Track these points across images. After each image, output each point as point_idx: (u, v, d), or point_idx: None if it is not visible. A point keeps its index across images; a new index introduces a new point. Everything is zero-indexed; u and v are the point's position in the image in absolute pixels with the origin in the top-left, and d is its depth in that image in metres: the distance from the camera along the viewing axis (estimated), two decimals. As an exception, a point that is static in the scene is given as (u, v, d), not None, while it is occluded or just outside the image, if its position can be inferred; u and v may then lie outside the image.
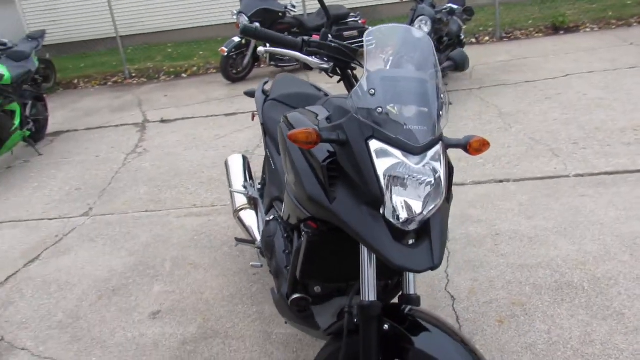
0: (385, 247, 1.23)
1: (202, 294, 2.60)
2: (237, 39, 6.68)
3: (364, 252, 1.36)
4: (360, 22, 7.19)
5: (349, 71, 1.55)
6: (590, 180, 3.20)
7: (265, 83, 2.59)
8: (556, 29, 7.50)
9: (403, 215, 1.23)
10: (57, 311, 2.60)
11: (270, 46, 1.53)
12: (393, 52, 1.38)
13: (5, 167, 4.82)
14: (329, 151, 1.36)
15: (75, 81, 8.20)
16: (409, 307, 1.43)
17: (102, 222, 3.51)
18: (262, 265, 2.23)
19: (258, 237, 2.32)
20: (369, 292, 1.35)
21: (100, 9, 9.15)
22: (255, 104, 2.49)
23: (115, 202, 3.80)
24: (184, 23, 9.92)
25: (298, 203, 1.49)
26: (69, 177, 4.40)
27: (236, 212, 2.52)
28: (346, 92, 1.50)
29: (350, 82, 1.54)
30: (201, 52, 8.83)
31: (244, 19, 6.70)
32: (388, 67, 1.35)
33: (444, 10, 5.15)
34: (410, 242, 1.27)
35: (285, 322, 1.92)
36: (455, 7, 5.33)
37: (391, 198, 1.23)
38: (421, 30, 4.72)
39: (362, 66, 1.36)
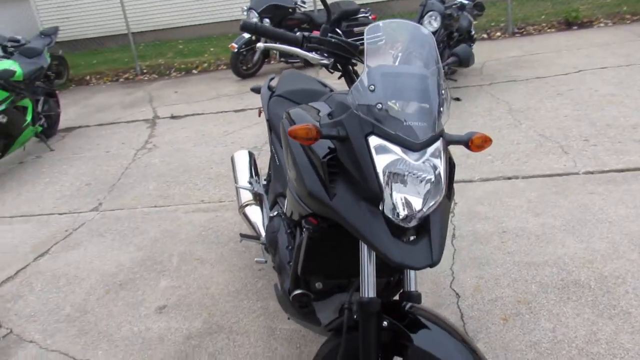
0: (383, 243, 1.22)
1: (207, 289, 2.62)
2: (247, 36, 6.68)
3: (364, 248, 1.36)
4: (370, 17, 7.15)
5: (350, 67, 1.54)
6: (600, 178, 3.16)
7: (272, 79, 2.59)
8: (569, 24, 7.40)
9: (402, 212, 1.23)
10: (65, 305, 2.63)
11: (270, 42, 1.53)
12: (394, 48, 1.37)
13: (17, 163, 4.89)
14: (329, 147, 1.36)
15: (88, 77, 8.28)
16: (409, 304, 1.43)
17: (111, 217, 3.54)
18: (266, 261, 2.24)
19: (263, 233, 2.33)
20: (368, 288, 1.35)
21: (112, 5, 9.22)
22: (261, 100, 2.49)
23: (124, 197, 3.83)
24: (194, 19, 9.97)
25: (299, 199, 1.49)
26: (80, 173, 4.44)
27: (241, 208, 2.53)
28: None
29: (350, 77, 1.53)
30: (212, 49, 8.86)
31: (254, 15, 6.71)
32: (388, 63, 1.34)
33: (453, 6, 5.10)
34: (410, 238, 1.27)
35: (288, 318, 1.93)
36: (465, 2, 5.28)
37: (391, 195, 1.22)
38: (431, 25, 4.70)
39: (362, 62, 1.36)
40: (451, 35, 5.18)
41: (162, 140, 5.03)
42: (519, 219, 2.86)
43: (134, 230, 3.31)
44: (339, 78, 1.55)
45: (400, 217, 1.23)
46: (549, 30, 7.47)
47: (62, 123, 5.81)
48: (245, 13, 6.91)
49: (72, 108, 6.67)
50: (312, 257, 1.54)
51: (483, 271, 2.47)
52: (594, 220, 2.73)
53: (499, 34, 7.64)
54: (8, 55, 5.17)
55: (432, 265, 1.25)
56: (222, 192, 3.69)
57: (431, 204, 1.25)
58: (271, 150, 2.36)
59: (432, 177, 1.23)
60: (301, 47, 1.48)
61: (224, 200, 3.55)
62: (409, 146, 1.23)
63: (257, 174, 2.72)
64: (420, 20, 4.85)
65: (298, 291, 1.66)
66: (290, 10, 6.90)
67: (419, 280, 2.44)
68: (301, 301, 1.69)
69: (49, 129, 5.33)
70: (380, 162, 1.23)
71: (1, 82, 4.30)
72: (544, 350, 1.97)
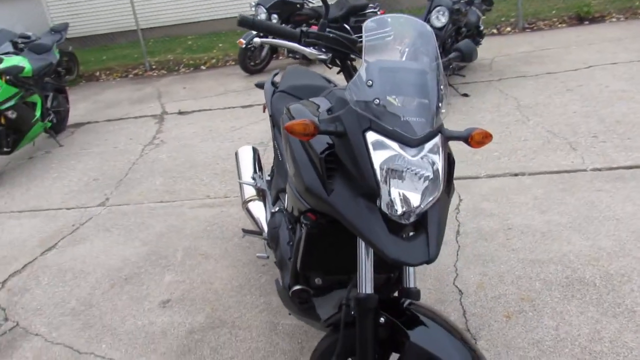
0: (380, 239, 1.22)
1: (211, 284, 2.63)
2: (255, 31, 6.68)
3: (361, 244, 1.35)
4: (379, 13, 7.11)
5: (349, 62, 1.53)
6: (608, 175, 3.12)
7: (276, 75, 2.59)
8: (581, 19, 7.31)
9: (400, 208, 1.22)
10: (71, 298, 2.66)
11: (267, 37, 1.52)
12: (393, 43, 1.36)
13: (27, 158, 4.94)
14: (328, 143, 1.35)
15: (97, 73, 8.33)
16: (408, 301, 1.42)
17: (118, 212, 3.57)
18: (268, 257, 2.24)
19: (266, 229, 2.33)
20: (366, 284, 1.34)
21: (122, 2, 9.27)
22: (264, 96, 2.49)
23: (131, 192, 3.86)
24: (203, 15, 9.99)
25: (298, 195, 1.49)
26: (88, 168, 4.48)
27: (245, 203, 2.53)
28: None
29: (349, 73, 1.53)
30: (220, 44, 8.88)
31: (262, 11, 6.71)
32: (387, 58, 1.33)
33: (462, 1, 5.06)
34: (409, 234, 1.26)
35: (289, 314, 1.93)
36: (474, -3, 5.24)
37: (389, 191, 1.21)
38: (439, 20, 4.67)
39: (360, 57, 1.35)
40: (459, 30, 5.14)
41: (169, 135, 5.05)
42: (524, 215, 2.83)
43: (140, 225, 3.33)
44: (338, 73, 1.54)
45: (398, 213, 1.22)
46: (560, 25, 7.38)
47: (72, 119, 5.86)
48: (253, 9, 6.91)
49: (81, 104, 6.72)
50: (310, 253, 1.54)
51: (487, 268, 2.45)
52: (601, 218, 2.70)
53: (509, 29, 7.57)
54: (18, 51, 5.22)
55: (429, 261, 1.24)
56: (228, 187, 3.70)
57: (429, 200, 1.24)
58: (274, 146, 2.36)
59: (430, 174, 1.22)
60: (299, 42, 1.47)
61: (229, 196, 3.56)
62: (406, 142, 1.21)
63: (260, 169, 2.72)
64: (428, 16, 4.82)
65: (297, 287, 1.66)
66: (298, 5, 6.89)
67: (421, 277, 2.43)
68: (301, 297, 1.69)
69: (58, 124, 5.37)
70: (378, 158, 1.22)
71: (10, 78, 4.34)
72: (547, 348, 1.95)
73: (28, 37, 5.56)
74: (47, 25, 9.04)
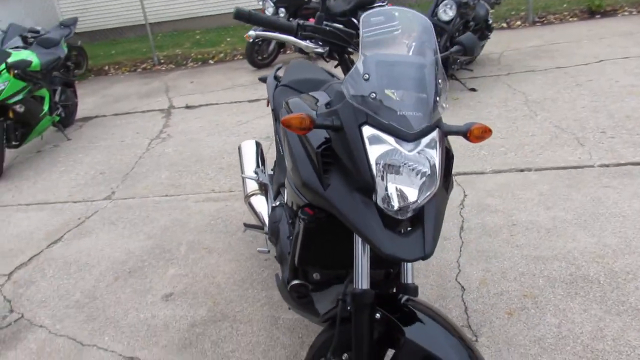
0: (375, 235, 1.21)
1: (214, 278, 2.63)
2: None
3: (358, 240, 1.34)
4: (387, 6, 7.07)
5: (346, 55, 1.52)
6: (615, 171, 3.08)
7: (278, 69, 2.58)
8: (592, 12, 7.20)
9: (396, 203, 1.21)
10: (75, 291, 2.68)
11: (263, 30, 1.51)
12: (391, 36, 1.34)
13: (35, 151, 4.98)
14: (326, 138, 1.34)
15: (106, 68, 8.37)
16: (405, 297, 1.41)
17: (123, 205, 3.59)
18: (269, 251, 2.24)
19: (267, 223, 2.32)
20: (362, 280, 1.34)
21: (131, -4, 9.30)
22: (267, 90, 2.48)
23: (137, 186, 3.88)
24: (212, 9, 9.98)
25: (296, 189, 1.48)
26: (95, 162, 4.51)
27: (247, 197, 2.53)
28: None
29: (347, 66, 1.51)
30: (229, 39, 8.88)
31: (270, 5, 6.69)
32: (385, 51, 1.32)
33: (470, -6, 5.00)
34: (404, 230, 1.25)
35: (289, 308, 1.93)
36: (482, -10, 5.18)
37: (386, 187, 1.20)
38: (446, 14, 4.62)
39: (357, 50, 1.33)
40: (467, 24, 5.08)
41: (176, 130, 5.06)
42: (529, 212, 2.81)
43: (145, 219, 3.35)
44: (335, 67, 1.53)
45: (395, 208, 1.21)
46: (571, 19, 7.28)
47: (80, 113, 5.90)
48: (261, 3, 6.89)
49: (90, 98, 6.76)
50: (308, 248, 1.53)
51: (490, 264, 2.43)
52: (607, 214, 2.67)
53: (519, 23, 7.48)
54: (27, 45, 5.25)
55: (424, 258, 1.23)
56: (233, 181, 3.70)
57: (426, 195, 1.23)
58: (276, 140, 2.35)
59: (427, 170, 1.21)
60: (296, 35, 1.46)
61: (234, 190, 3.56)
62: (402, 136, 1.20)
63: (263, 163, 2.72)
64: (435, 9, 4.77)
65: (296, 281, 1.66)
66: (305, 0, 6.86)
67: (424, 273, 2.42)
68: (299, 291, 1.68)
69: (66, 118, 5.41)
70: (374, 152, 1.21)
71: (18, 72, 4.37)
72: (548, 345, 1.93)
73: (37, 32, 5.60)
74: (56, 19, 9.10)
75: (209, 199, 3.50)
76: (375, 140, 1.21)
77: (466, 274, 2.39)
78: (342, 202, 1.26)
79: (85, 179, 4.15)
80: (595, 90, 4.41)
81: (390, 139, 1.21)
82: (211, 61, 8.01)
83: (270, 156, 2.85)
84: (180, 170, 4.05)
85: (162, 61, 8.25)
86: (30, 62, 4.51)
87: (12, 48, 4.91)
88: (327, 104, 1.46)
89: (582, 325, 2.00)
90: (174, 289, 2.60)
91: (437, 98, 1.27)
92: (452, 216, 2.85)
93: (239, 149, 2.82)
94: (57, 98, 5.18)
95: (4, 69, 4.28)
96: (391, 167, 1.20)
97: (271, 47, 6.95)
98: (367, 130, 1.22)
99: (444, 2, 4.72)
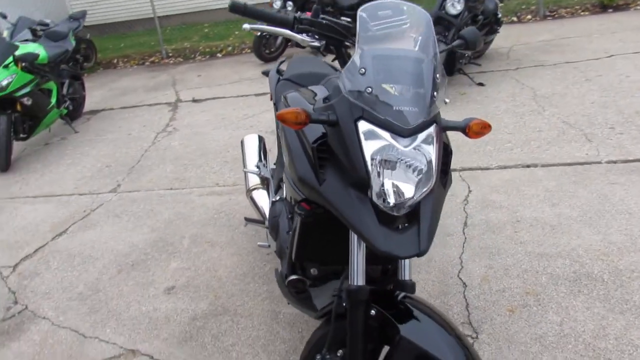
0: (370, 231, 1.20)
1: (216, 272, 2.64)
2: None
3: (353, 235, 1.33)
4: (396, 0, 7.00)
5: (343, 49, 1.50)
6: (623, 168, 3.03)
7: (281, 63, 2.57)
8: (604, 6, 7.09)
9: (392, 199, 1.19)
10: (79, 283, 2.70)
11: (257, 23, 1.49)
12: (388, 29, 1.32)
13: (43, 144, 5.02)
14: (322, 132, 1.33)
15: (115, 61, 8.40)
16: (402, 294, 1.40)
17: (128, 198, 3.60)
18: (269, 246, 2.24)
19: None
20: (357, 276, 1.33)
21: (140, -11, 9.30)
22: (269, 84, 2.47)
23: (142, 179, 3.89)
24: (220, 2, 9.96)
25: (293, 184, 1.47)
26: (101, 155, 4.53)
27: (249, 191, 2.53)
28: None
29: (344, 60, 1.49)
30: (237, 32, 8.86)
31: (277, -2, 6.67)
32: (381, 45, 1.30)
33: (479, -13, 4.93)
34: (400, 226, 1.23)
35: (288, 303, 1.93)
36: (491, -17, 5.11)
37: (382, 183, 1.19)
38: (454, 8, 4.57)
39: (354, 44, 1.32)
40: (476, 18, 5.02)
41: (182, 123, 5.07)
42: (534, 208, 2.78)
43: (149, 212, 3.36)
44: (333, 60, 1.51)
45: (391, 204, 1.20)
46: (582, 13, 7.18)
47: (88, 105, 5.93)
48: (268, -4, 6.87)
49: (98, 91, 6.79)
50: (305, 243, 1.52)
51: (493, 261, 2.41)
52: (613, 212, 2.63)
53: (529, 17, 7.39)
54: (36, 38, 5.28)
55: (419, 254, 1.21)
56: (237, 175, 3.70)
57: (422, 191, 1.21)
58: (277, 135, 2.34)
59: (423, 166, 1.19)
60: (292, 29, 1.44)
61: (238, 184, 3.56)
62: (398, 132, 1.18)
63: (265, 158, 2.71)
64: (443, 2, 4.72)
65: (294, 277, 1.66)
66: (313, -7, 6.82)
67: (425, 269, 2.40)
68: (297, 287, 1.68)
69: (74, 111, 5.44)
70: (369, 147, 1.19)
71: (26, 65, 4.39)
72: (549, 343, 1.91)
73: (46, 25, 5.63)
74: (66, 12, 9.13)
75: (213, 193, 3.50)
76: (370, 135, 1.20)
77: (468, 271, 2.37)
78: (337, 198, 1.25)
79: (92, 172, 4.17)
80: (604, 85, 4.34)
81: (385, 134, 1.19)
82: (219, 54, 8.01)
83: (274, 150, 2.84)
84: (185, 164, 4.05)
85: (170, 54, 8.26)
86: (37, 55, 4.53)
87: (21, 41, 4.95)
88: (325, 99, 1.45)
89: (584, 324, 1.98)
90: (176, 282, 2.60)
91: (435, 93, 1.25)
92: (455, 212, 2.83)
93: (242, 143, 2.82)
94: (64, 91, 5.21)
95: (11, 62, 4.31)
96: (387, 163, 1.19)
97: (278, 40, 6.92)
98: (363, 126, 1.21)
99: (452, -4, 4.66)
